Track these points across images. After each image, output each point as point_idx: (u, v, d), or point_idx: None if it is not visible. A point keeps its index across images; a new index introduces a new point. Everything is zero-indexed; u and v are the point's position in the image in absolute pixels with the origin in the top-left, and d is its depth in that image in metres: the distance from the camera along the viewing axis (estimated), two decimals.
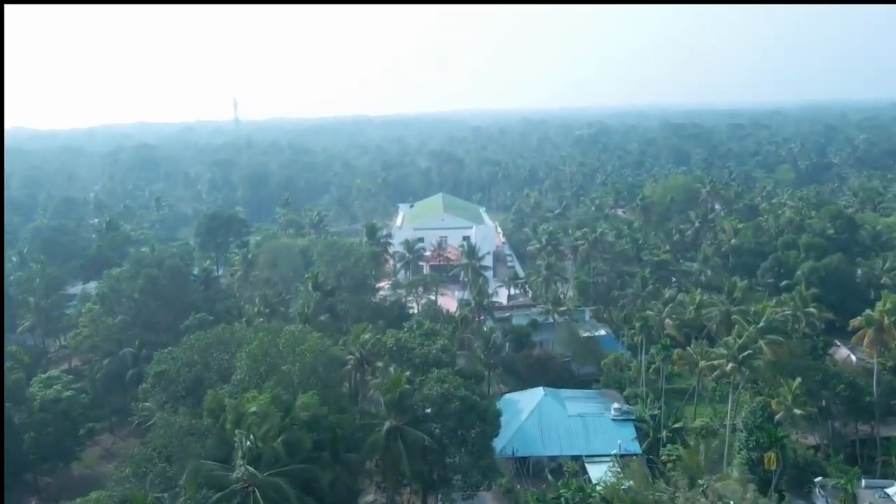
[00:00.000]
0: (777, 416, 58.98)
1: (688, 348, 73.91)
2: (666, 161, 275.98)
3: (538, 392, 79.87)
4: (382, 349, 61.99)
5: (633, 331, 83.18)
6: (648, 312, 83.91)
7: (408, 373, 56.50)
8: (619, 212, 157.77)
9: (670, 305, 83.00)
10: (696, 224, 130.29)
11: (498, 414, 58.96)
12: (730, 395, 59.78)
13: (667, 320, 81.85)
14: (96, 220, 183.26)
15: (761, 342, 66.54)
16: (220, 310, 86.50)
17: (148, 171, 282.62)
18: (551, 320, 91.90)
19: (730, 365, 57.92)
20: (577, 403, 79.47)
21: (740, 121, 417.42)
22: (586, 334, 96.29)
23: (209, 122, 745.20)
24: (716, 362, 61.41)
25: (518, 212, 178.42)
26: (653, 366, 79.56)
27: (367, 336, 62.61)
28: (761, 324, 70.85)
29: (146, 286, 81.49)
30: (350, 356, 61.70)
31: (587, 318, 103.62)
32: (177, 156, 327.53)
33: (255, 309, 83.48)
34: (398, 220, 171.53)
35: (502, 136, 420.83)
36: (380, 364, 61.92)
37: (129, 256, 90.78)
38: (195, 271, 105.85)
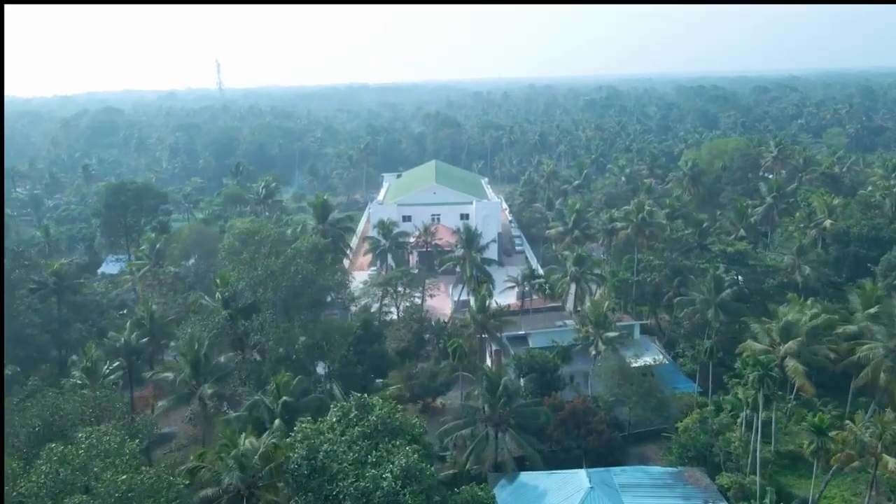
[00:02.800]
0: None
1: (849, 425, 42.12)
2: (692, 125, 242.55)
3: (579, 480, 48.60)
4: (287, 464, 30.35)
5: (740, 380, 51.19)
6: (755, 345, 52.38)
7: None
8: (652, 182, 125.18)
9: (797, 338, 50.95)
10: (769, 200, 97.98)
11: None
12: None
13: (789, 360, 50.20)
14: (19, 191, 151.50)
15: None
16: (75, 340, 54.92)
17: (105, 138, 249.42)
18: (593, 352, 60.06)
19: None
20: (644, 501, 48.44)
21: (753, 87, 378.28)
22: (639, 363, 65.06)
23: (198, 91, 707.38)
24: None
25: (528, 183, 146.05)
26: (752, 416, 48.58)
27: (249, 443, 30.82)
28: None
29: None
30: (213, 487, 30.05)
31: (637, 335, 72.22)
32: (142, 121, 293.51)
33: (122, 340, 51.90)
34: (381, 194, 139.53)
35: (506, 100, 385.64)
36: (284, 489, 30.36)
37: None
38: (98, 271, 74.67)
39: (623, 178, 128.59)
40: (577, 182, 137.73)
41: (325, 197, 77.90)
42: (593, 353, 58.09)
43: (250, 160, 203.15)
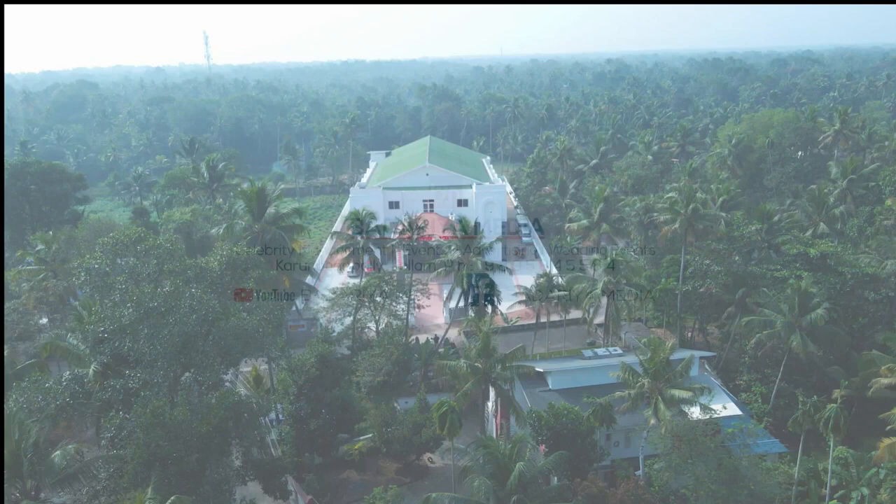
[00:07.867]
0: None
1: None
2: (714, 99, 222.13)
3: None
4: None
5: None
6: None
7: None
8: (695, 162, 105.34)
9: None
10: (842, 184, 78.47)
11: None
12: None
13: None
14: None
15: None
16: None
17: (73, 113, 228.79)
18: (652, 420, 40.48)
19: None
20: None
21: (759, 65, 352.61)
22: (701, 414, 45.83)
23: (190, 66, 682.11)
24: None
25: (537, 162, 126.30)
26: None
27: None
28: None
29: None
30: None
31: (694, 371, 52.94)
32: (117, 95, 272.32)
33: None
34: (365, 176, 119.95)
35: (508, 74, 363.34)
36: None
37: None
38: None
39: (650, 157, 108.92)
40: (594, 161, 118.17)
41: (258, 184, 58.06)
42: (652, 420, 38.81)
43: (226, 137, 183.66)
